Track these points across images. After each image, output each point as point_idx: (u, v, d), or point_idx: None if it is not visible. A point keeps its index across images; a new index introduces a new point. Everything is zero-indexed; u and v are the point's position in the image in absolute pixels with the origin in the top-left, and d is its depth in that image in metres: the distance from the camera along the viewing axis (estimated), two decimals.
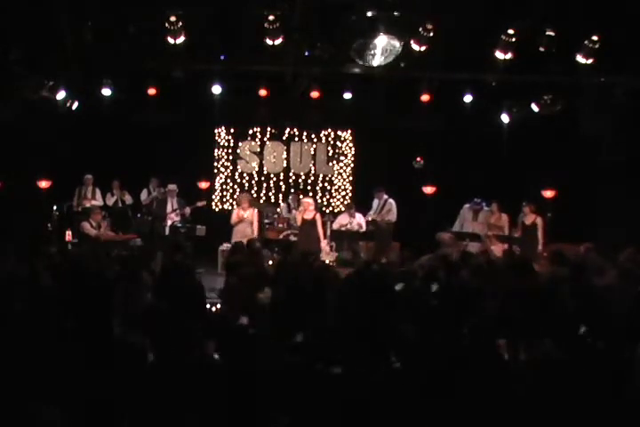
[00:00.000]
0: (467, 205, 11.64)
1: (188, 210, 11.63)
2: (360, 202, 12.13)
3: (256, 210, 11.07)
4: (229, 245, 10.01)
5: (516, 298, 5.87)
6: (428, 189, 12.33)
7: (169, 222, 11.52)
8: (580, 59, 9.39)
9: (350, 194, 13.52)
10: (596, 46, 9.16)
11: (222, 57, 10.29)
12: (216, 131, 13.47)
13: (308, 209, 10.63)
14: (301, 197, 12.65)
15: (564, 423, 3.82)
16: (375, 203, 11.87)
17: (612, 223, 11.17)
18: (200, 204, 11.91)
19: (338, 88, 11.52)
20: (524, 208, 10.79)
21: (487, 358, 4.60)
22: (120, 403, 3.83)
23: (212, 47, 9.90)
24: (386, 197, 11.76)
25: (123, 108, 11.59)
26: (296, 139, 13.58)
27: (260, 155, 13.51)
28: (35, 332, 4.83)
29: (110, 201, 12.16)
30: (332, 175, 13.60)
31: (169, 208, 11.66)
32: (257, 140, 13.55)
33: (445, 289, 6.36)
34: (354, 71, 10.54)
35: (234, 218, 10.75)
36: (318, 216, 10.70)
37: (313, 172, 13.60)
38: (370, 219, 11.63)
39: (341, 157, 13.60)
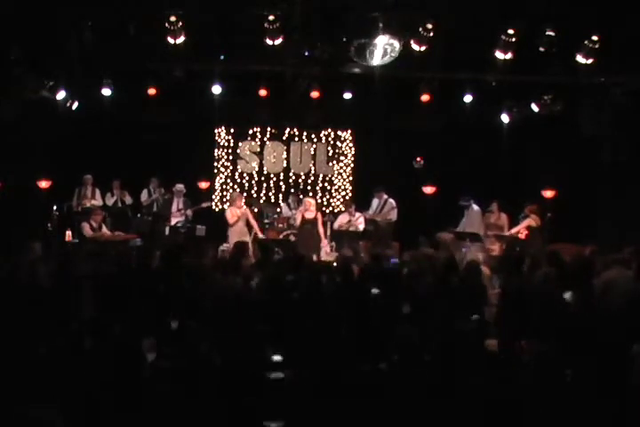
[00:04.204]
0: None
1: (189, 212, 11.62)
2: (360, 202, 12.12)
3: (247, 208, 11.04)
4: (229, 245, 10.03)
5: (510, 298, 5.88)
6: (428, 189, 12.34)
7: (173, 222, 11.53)
8: (580, 59, 9.40)
9: (350, 194, 13.51)
10: (596, 46, 9.16)
11: (222, 57, 10.29)
12: (216, 131, 13.46)
13: (309, 209, 10.62)
14: (301, 196, 12.67)
15: (563, 423, 3.83)
16: (375, 203, 11.88)
17: (612, 223, 11.18)
18: (205, 204, 11.91)
19: (338, 88, 11.52)
20: (525, 209, 10.83)
21: (486, 359, 4.60)
22: (120, 403, 3.83)
23: (212, 47, 9.91)
24: (386, 196, 11.76)
25: (123, 108, 11.59)
26: (296, 139, 13.57)
27: (260, 155, 13.50)
28: (34, 333, 4.83)
29: (110, 201, 12.15)
30: (332, 175, 13.60)
31: (174, 208, 11.66)
32: (257, 140, 13.53)
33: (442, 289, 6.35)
34: (354, 71, 10.55)
35: (231, 217, 10.54)
36: (319, 216, 10.70)
37: (313, 172, 13.59)
38: (369, 218, 11.64)
39: (341, 157, 13.60)
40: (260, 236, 10.94)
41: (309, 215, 10.60)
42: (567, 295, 5.98)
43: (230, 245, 10.19)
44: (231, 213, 10.52)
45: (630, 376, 4.25)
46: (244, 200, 11.02)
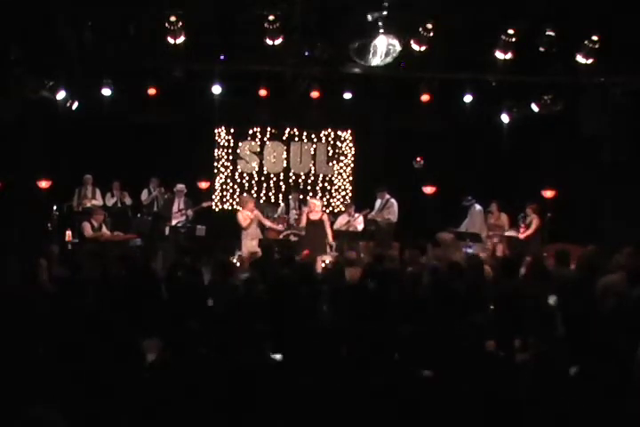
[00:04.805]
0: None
1: (190, 212, 11.60)
2: (360, 202, 12.12)
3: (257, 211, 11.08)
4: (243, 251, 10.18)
5: (509, 298, 5.89)
6: (428, 189, 12.34)
7: (174, 222, 11.54)
8: (580, 59, 9.40)
9: (350, 194, 13.51)
10: (596, 46, 9.16)
11: (222, 57, 10.29)
12: (216, 131, 13.46)
13: (314, 210, 10.62)
14: (301, 196, 12.68)
15: (563, 424, 3.83)
16: (378, 203, 11.88)
17: (612, 223, 11.18)
18: (206, 204, 11.90)
19: (338, 88, 11.52)
20: (527, 209, 10.83)
21: (485, 358, 4.60)
22: (120, 403, 3.83)
23: (212, 47, 9.90)
24: (388, 196, 11.76)
25: (123, 108, 11.59)
26: (296, 139, 13.57)
27: (260, 155, 13.50)
28: (35, 333, 4.83)
29: (110, 202, 12.16)
30: (332, 175, 13.60)
31: (175, 208, 11.65)
32: (257, 140, 13.54)
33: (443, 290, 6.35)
34: (354, 71, 10.53)
35: (244, 220, 10.47)
36: (326, 217, 10.69)
37: (313, 172, 13.60)
38: (370, 218, 11.63)
39: (341, 157, 13.61)
40: (279, 228, 11.35)
41: (314, 216, 10.59)
42: (551, 300, 5.99)
43: (244, 247, 10.28)
44: (243, 217, 10.44)
45: (632, 377, 4.25)
46: (253, 202, 11.02)
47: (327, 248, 10.65)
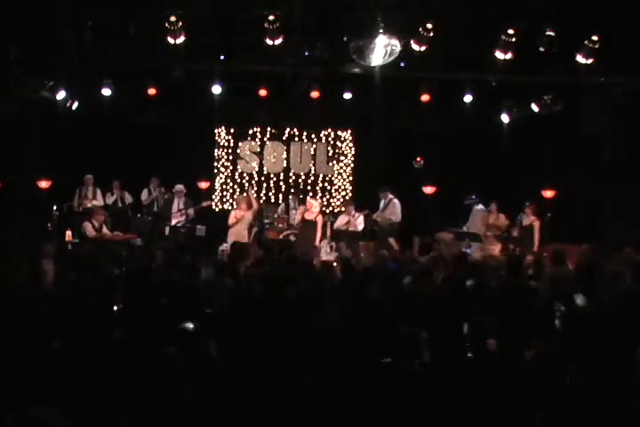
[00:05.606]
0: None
1: (191, 211, 11.60)
2: (360, 202, 12.12)
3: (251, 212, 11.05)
4: (227, 246, 10.06)
5: (511, 297, 5.88)
6: (428, 189, 12.34)
7: (173, 222, 11.54)
8: (580, 59, 9.41)
9: (350, 194, 13.51)
10: (596, 46, 9.17)
11: (222, 57, 10.30)
12: (216, 131, 13.46)
13: (310, 210, 10.62)
14: (301, 196, 12.68)
15: (564, 424, 3.83)
16: (382, 203, 11.88)
17: (612, 223, 11.18)
18: (205, 204, 11.91)
19: (338, 88, 11.53)
20: (525, 209, 10.83)
21: (486, 358, 4.61)
22: (120, 403, 3.83)
23: (212, 47, 9.92)
24: (391, 196, 11.76)
25: (123, 108, 11.60)
26: (296, 139, 13.57)
27: (260, 155, 13.49)
28: (36, 335, 4.83)
29: (110, 200, 12.15)
30: (332, 175, 13.60)
31: (174, 208, 11.65)
32: (257, 140, 13.53)
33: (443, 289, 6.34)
34: (354, 71, 10.55)
35: (231, 219, 10.69)
36: (319, 218, 10.68)
37: (313, 172, 13.60)
38: (372, 218, 11.63)
39: (341, 157, 13.60)
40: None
41: (309, 216, 10.61)
42: (579, 299, 5.95)
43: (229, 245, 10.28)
44: (233, 215, 10.65)
45: (632, 377, 4.25)
46: (246, 203, 11.00)
47: (323, 248, 10.66)
